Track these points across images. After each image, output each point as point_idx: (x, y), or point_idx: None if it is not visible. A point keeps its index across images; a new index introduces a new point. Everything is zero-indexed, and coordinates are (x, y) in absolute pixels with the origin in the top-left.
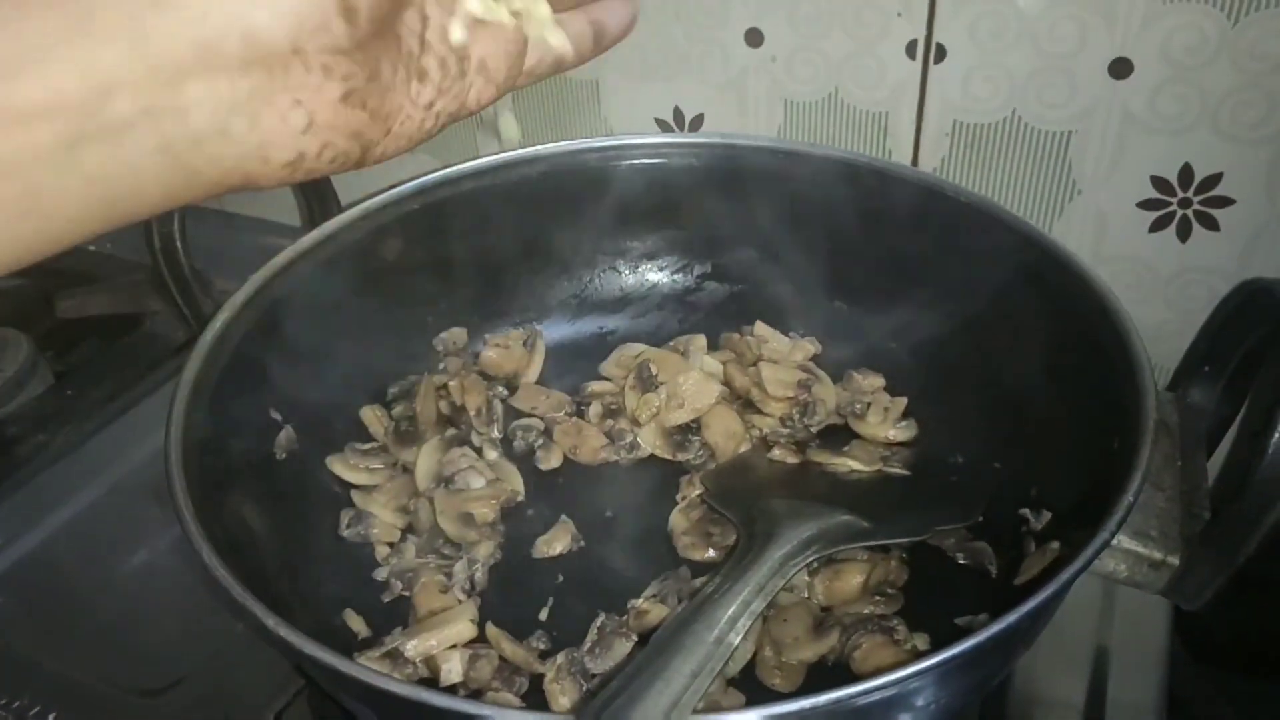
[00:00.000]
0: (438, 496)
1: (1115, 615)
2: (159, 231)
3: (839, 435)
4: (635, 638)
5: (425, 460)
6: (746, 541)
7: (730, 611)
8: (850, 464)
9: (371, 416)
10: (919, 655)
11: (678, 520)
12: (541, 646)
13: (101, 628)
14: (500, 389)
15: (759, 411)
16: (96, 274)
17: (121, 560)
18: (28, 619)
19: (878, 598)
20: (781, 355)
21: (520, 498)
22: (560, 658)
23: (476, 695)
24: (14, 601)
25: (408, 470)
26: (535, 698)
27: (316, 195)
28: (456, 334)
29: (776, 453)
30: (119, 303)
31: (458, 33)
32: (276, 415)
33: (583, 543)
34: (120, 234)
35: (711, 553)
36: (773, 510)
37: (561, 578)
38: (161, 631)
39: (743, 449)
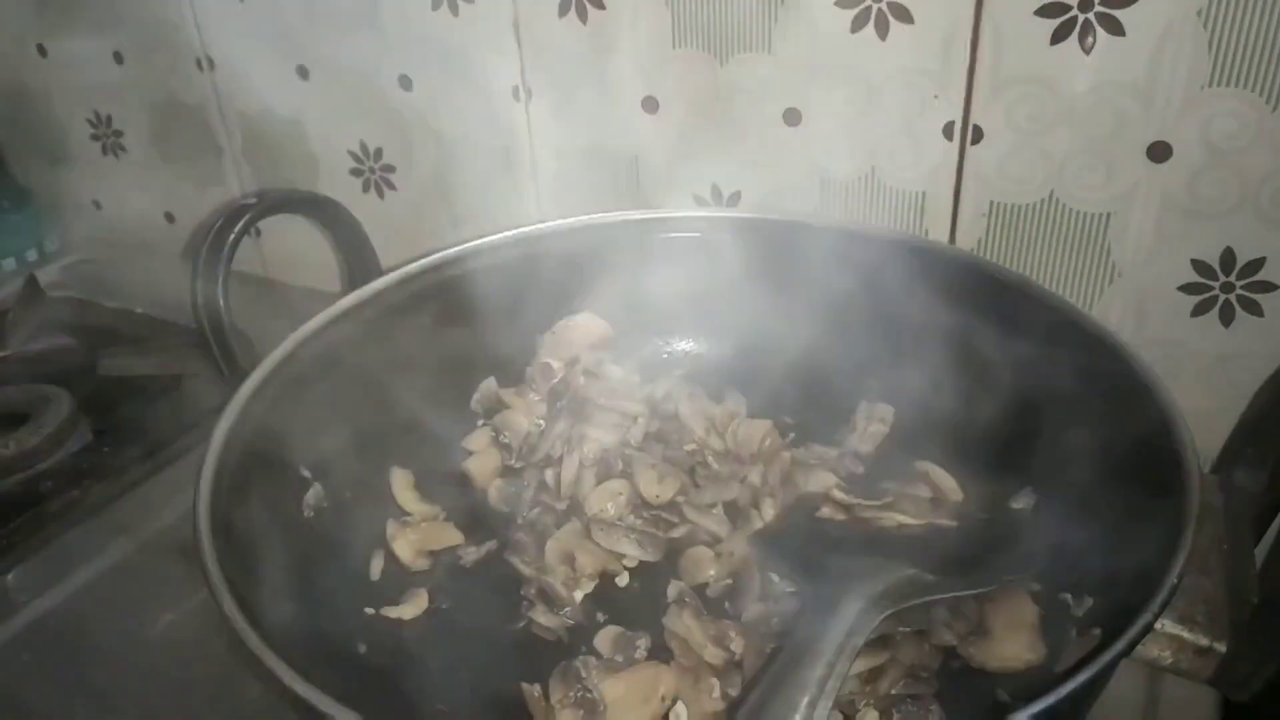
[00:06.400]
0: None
1: (1160, 707)
2: (203, 292)
3: None
4: None
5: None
6: (812, 603)
7: (808, 695)
8: (899, 518)
9: (400, 477)
10: None
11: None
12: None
13: (125, 685)
14: None
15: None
16: (141, 335)
17: (148, 618)
18: (51, 674)
19: (910, 680)
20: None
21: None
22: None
23: None
24: (38, 657)
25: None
26: None
27: (359, 261)
28: (488, 389)
29: (825, 510)
30: (162, 364)
31: None
32: (306, 473)
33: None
34: (165, 297)
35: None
36: (833, 569)
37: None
38: (185, 691)
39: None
